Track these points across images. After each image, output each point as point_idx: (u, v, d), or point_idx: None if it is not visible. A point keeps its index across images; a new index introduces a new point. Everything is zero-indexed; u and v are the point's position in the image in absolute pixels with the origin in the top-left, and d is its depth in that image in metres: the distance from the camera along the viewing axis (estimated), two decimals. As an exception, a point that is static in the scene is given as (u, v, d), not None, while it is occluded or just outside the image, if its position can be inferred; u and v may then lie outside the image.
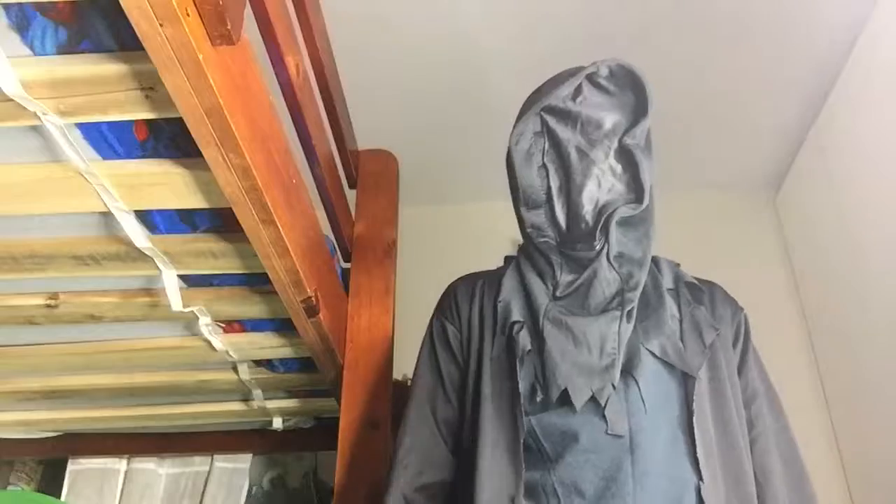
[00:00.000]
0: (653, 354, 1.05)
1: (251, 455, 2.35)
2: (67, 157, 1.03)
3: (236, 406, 2.05)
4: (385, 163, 1.90)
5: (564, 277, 1.10)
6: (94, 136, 1.03)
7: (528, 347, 1.07)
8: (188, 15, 0.77)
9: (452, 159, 2.48)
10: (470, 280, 1.25)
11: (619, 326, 1.05)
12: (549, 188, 1.14)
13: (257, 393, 1.91)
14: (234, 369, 1.78)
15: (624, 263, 1.09)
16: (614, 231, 1.08)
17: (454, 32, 2.02)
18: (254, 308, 1.48)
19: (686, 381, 1.06)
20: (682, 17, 1.97)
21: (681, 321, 1.10)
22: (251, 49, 0.99)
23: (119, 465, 2.36)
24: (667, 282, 1.15)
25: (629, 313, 1.06)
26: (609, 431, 1.00)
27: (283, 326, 1.57)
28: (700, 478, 0.99)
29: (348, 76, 1.73)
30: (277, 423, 2.15)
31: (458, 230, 2.81)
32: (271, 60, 1.22)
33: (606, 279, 1.08)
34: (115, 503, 2.30)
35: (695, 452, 1.00)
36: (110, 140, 1.04)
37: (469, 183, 2.50)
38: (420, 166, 2.16)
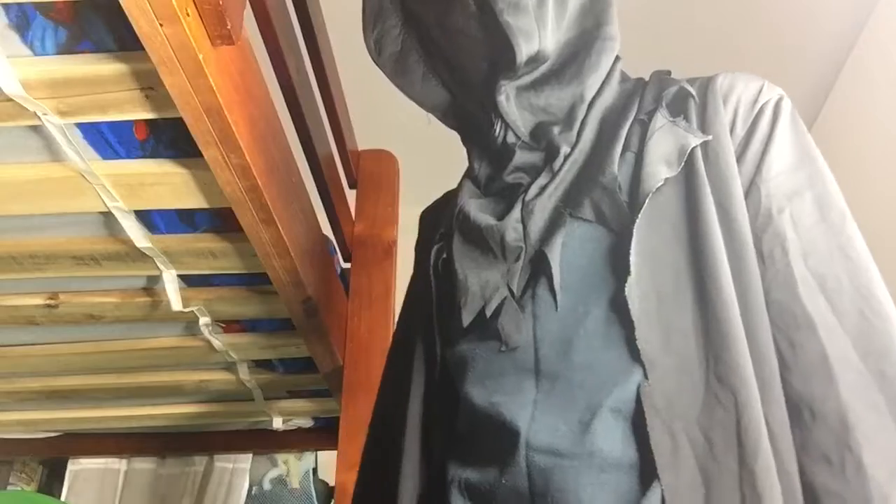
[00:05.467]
0: (583, 220, 0.74)
1: (251, 455, 2.35)
2: (67, 156, 1.03)
3: (236, 406, 2.05)
4: (385, 163, 1.90)
5: (483, 171, 0.84)
6: (93, 136, 1.03)
7: (444, 256, 0.83)
8: (188, 15, 0.78)
9: (452, 159, 2.46)
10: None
11: (521, 208, 0.76)
12: (442, 82, 0.87)
13: (257, 393, 1.91)
14: (234, 369, 1.78)
15: (543, 135, 0.79)
16: (509, 107, 0.78)
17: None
18: (254, 308, 1.48)
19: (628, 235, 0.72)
20: (682, 20, 1.97)
21: (639, 151, 0.75)
22: (251, 49, 0.99)
23: (119, 465, 2.36)
24: (646, 105, 0.80)
25: (544, 186, 0.77)
26: (502, 348, 0.72)
27: (283, 326, 1.57)
28: (644, 372, 0.66)
29: (348, 76, 1.73)
30: (277, 423, 2.16)
31: (458, 230, 2.80)
32: (271, 60, 1.22)
33: (523, 161, 0.80)
34: (115, 503, 2.31)
35: (633, 336, 0.67)
36: (110, 140, 1.04)
37: (469, 183, 2.50)
38: (420, 166, 2.15)
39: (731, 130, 0.76)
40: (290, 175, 1.19)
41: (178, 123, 0.94)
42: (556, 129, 0.79)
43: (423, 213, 1.02)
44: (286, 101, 1.31)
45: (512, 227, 0.76)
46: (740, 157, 0.75)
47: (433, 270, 0.85)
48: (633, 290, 0.69)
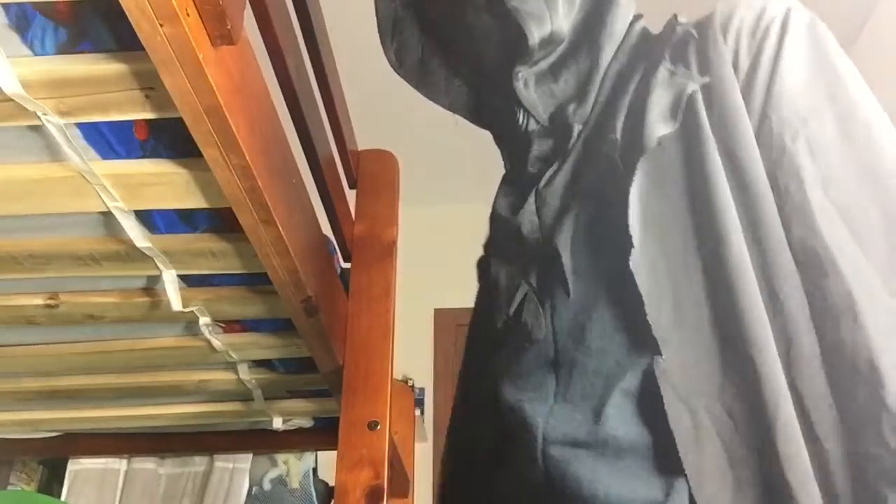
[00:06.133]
0: (590, 197, 0.70)
1: (251, 455, 2.35)
2: (67, 157, 1.03)
3: (236, 406, 2.05)
4: (385, 163, 1.90)
5: (514, 165, 0.83)
6: (93, 136, 1.03)
7: (483, 259, 0.83)
8: (188, 15, 0.78)
9: (452, 159, 2.48)
10: None
11: (535, 198, 0.73)
12: (466, 82, 0.86)
13: (257, 393, 1.91)
14: (234, 369, 1.78)
15: (559, 116, 0.76)
16: (527, 93, 0.75)
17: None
18: (254, 308, 1.48)
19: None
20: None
21: (641, 110, 0.69)
22: (251, 49, 0.99)
23: (119, 465, 2.35)
24: (654, 59, 0.74)
25: (556, 171, 0.74)
26: (526, 344, 0.70)
27: (282, 326, 1.57)
28: (658, 349, 0.61)
29: (348, 76, 1.73)
30: (277, 423, 2.16)
31: (458, 230, 2.81)
32: (271, 60, 1.22)
33: (542, 150, 0.77)
34: (115, 503, 2.30)
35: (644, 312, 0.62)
36: (110, 140, 1.04)
37: (469, 183, 2.50)
38: (420, 166, 2.16)
39: (735, 63, 0.68)
40: (290, 175, 1.19)
41: (178, 123, 0.94)
42: (571, 108, 0.75)
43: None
44: (286, 101, 1.32)
45: (528, 220, 0.73)
46: (748, 90, 0.66)
47: (478, 275, 0.84)
48: (638, 262, 0.63)
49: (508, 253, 0.76)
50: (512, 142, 0.81)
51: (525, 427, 0.67)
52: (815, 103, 0.64)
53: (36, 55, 0.91)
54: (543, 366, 0.69)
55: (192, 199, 1.14)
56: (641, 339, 0.63)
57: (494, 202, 0.81)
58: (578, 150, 0.74)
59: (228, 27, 0.83)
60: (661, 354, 0.62)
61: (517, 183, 0.80)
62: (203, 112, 0.89)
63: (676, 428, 0.59)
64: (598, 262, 0.69)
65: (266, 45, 1.18)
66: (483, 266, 0.84)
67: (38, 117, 0.95)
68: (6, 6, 0.87)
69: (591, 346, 0.66)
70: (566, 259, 0.69)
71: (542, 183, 0.74)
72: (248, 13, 0.96)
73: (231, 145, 0.95)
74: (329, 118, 1.65)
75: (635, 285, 0.63)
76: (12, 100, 0.91)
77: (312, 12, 1.44)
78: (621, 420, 0.62)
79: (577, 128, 0.74)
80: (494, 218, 0.80)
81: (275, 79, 1.24)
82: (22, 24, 0.89)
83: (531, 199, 0.74)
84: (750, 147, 0.64)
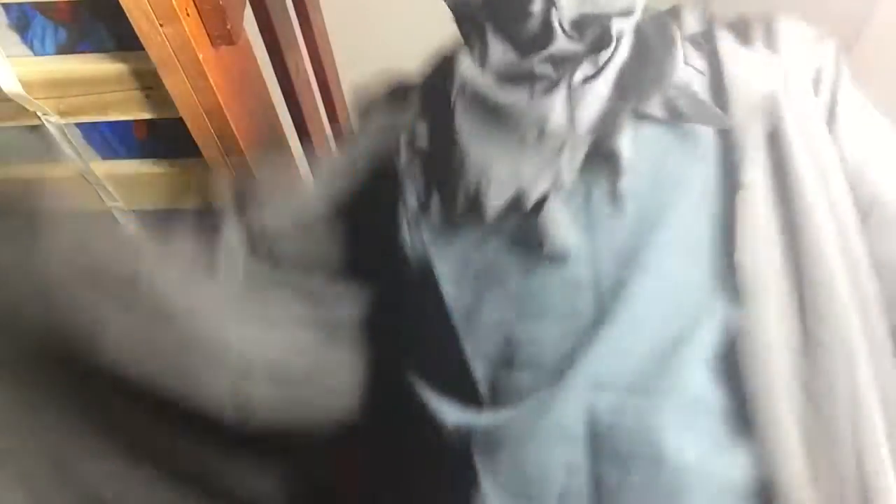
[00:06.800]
0: (652, 118, 0.61)
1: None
2: (67, 157, 1.03)
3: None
4: (385, 163, 1.90)
5: (498, 55, 0.66)
6: (93, 136, 1.03)
7: (431, 132, 0.68)
8: (188, 15, 0.78)
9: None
10: None
11: (568, 92, 0.61)
12: None
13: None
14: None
15: (588, 25, 0.62)
16: None
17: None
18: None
19: (724, 141, 0.59)
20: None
21: (711, 73, 0.63)
22: (251, 49, 0.99)
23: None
24: (688, 27, 0.66)
25: (592, 75, 0.61)
26: (547, 258, 0.59)
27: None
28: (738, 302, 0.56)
29: (348, 76, 1.73)
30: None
31: (458, 230, 2.80)
32: (271, 60, 1.22)
33: (561, 50, 0.62)
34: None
35: (727, 255, 0.56)
36: (110, 140, 1.04)
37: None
38: (420, 166, 2.15)
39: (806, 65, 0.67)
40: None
41: (178, 123, 0.94)
42: (609, 21, 0.62)
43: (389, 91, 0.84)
44: (286, 101, 1.31)
45: (558, 111, 0.60)
46: (815, 90, 0.66)
47: (410, 147, 0.68)
48: (742, 206, 0.56)
49: (501, 139, 0.62)
50: (506, 29, 0.66)
51: (547, 365, 0.58)
52: (869, 127, 0.67)
53: (36, 55, 0.91)
54: (575, 290, 0.59)
55: (192, 200, 1.13)
56: (716, 286, 0.56)
57: (466, 77, 0.65)
58: (622, 68, 0.63)
59: (228, 27, 0.83)
60: (744, 310, 0.55)
61: (503, 76, 0.65)
62: (203, 112, 0.89)
63: (756, 400, 0.55)
64: (661, 189, 0.60)
65: (266, 45, 1.18)
66: (414, 135, 0.68)
67: (38, 117, 0.95)
68: (6, 6, 0.87)
69: (649, 280, 0.57)
70: (624, 171, 0.60)
71: (577, 80, 0.61)
72: (248, 13, 0.96)
73: (231, 145, 0.95)
74: (329, 118, 1.65)
75: (715, 226, 0.57)
76: (12, 100, 0.92)
77: (312, 12, 1.44)
78: (691, 373, 0.56)
79: (614, 43, 0.62)
80: (472, 95, 0.64)
81: (275, 79, 1.24)
82: (22, 23, 0.89)
83: (562, 91, 0.61)
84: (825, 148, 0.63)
